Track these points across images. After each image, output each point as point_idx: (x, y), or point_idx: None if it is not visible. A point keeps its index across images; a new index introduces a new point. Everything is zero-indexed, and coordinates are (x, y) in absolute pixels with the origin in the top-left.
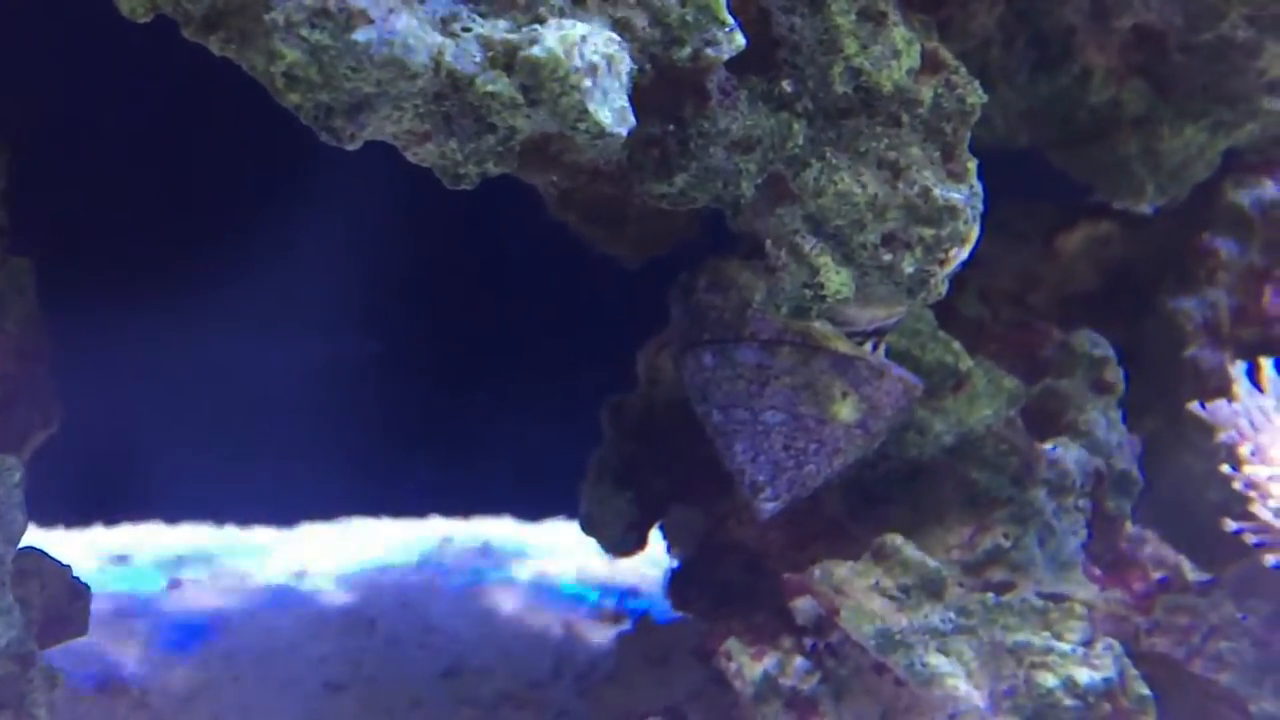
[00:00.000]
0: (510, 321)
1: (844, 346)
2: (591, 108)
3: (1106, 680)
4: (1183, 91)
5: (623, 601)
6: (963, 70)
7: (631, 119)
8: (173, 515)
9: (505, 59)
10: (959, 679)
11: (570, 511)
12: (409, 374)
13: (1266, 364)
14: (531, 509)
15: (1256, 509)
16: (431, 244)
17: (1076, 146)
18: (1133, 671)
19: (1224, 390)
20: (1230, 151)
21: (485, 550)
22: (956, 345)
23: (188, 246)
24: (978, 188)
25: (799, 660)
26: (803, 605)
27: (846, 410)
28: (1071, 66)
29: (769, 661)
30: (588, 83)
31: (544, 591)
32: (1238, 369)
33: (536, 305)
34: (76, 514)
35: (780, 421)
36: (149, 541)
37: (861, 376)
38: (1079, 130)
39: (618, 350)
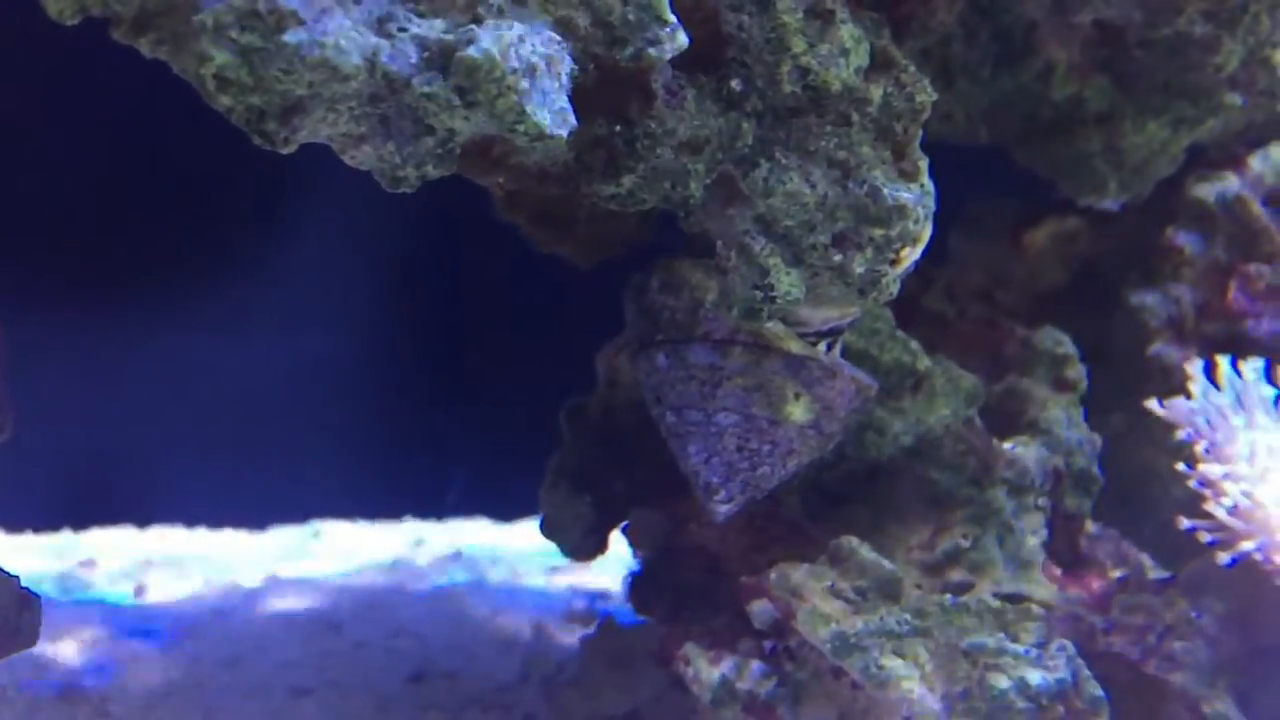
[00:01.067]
0: (481, 322)
1: (796, 347)
2: (529, 109)
3: (1060, 682)
4: (1144, 87)
5: (594, 604)
6: (912, 69)
7: (572, 120)
8: (143, 519)
9: (441, 60)
10: (914, 681)
11: None
12: (380, 376)
13: (1223, 361)
14: (506, 510)
15: (1211, 507)
16: (399, 247)
17: (1039, 143)
18: (1086, 673)
19: (1187, 387)
20: (1194, 147)
21: (457, 552)
22: (915, 345)
23: (154, 249)
24: (929, 187)
25: (756, 664)
26: (760, 609)
27: (799, 411)
28: (1034, 62)
29: (726, 665)
30: (525, 84)
31: (515, 593)
32: (1195, 366)
33: (508, 305)
34: (44, 518)
35: (733, 423)
36: (118, 546)
37: (814, 377)
38: (1041, 126)
39: (592, 350)
